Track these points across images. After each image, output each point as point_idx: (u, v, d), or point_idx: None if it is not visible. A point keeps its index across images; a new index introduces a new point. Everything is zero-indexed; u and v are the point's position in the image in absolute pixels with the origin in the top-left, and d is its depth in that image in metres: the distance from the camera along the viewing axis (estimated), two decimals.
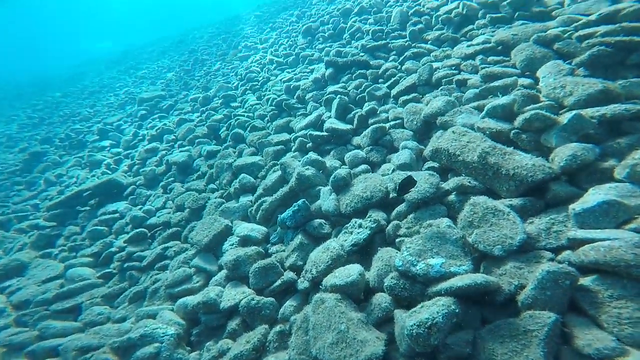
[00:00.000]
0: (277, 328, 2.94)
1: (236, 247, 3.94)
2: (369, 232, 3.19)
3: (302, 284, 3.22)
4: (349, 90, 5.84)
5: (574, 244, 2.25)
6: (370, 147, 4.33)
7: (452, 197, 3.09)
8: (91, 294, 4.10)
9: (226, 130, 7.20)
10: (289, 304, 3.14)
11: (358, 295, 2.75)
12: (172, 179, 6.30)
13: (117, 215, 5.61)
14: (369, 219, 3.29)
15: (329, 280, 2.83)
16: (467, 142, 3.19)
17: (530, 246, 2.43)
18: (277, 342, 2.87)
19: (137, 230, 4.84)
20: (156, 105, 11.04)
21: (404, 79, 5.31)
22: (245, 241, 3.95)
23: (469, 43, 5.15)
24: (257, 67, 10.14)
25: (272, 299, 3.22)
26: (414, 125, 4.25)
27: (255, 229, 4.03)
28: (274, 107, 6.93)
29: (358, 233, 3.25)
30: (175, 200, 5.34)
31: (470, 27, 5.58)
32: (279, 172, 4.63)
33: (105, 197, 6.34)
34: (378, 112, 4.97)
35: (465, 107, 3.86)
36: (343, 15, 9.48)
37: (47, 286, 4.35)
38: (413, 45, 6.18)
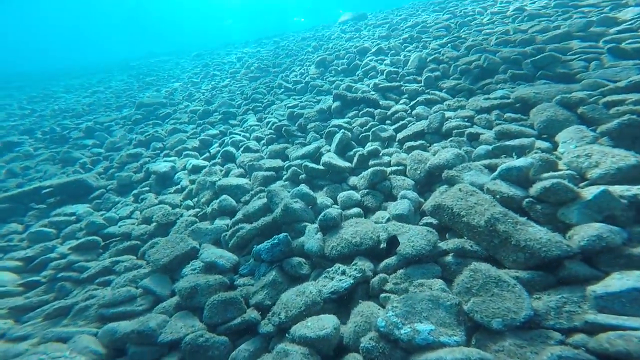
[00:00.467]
0: None
1: (198, 273, 3.61)
2: (352, 281, 2.95)
3: (266, 326, 2.91)
4: (354, 127, 5.88)
5: (593, 328, 2.10)
6: (367, 190, 4.22)
7: (449, 258, 2.95)
8: None
9: (218, 147, 7.15)
10: (245, 347, 2.82)
11: (328, 352, 2.52)
12: (147, 188, 6.07)
13: (73, 218, 5.29)
14: (354, 266, 3.06)
15: (299, 329, 2.56)
16: (475, 203, 3.07)
17: (535, 324, 2.28)
18: None
19: (89, 237, 4.51)
20: (153, 112, 11.16)
21: (413, 124, 5.37)
22: (210, 268, 3.64)
23: (486, 96, 5.28)
24: (264, 89, 10.43)
25: (225, 338, 2.88)
26: (417, 175, 4.17)
27: (225, 257, 3.74)
28: (272, 131, 6.95)
29: (340, 280, 2.99)
30: (144, 211, 5.07)
31: (489, 80, 5.78)
32: (264, 200, 4.45)
33: (68, 197, 6.06)
34: (381, 154, 4.92)
35: (475, 163, 3.80)
36: (359, 53, 9.98)
37: None
38: (427, 91, 6.38)
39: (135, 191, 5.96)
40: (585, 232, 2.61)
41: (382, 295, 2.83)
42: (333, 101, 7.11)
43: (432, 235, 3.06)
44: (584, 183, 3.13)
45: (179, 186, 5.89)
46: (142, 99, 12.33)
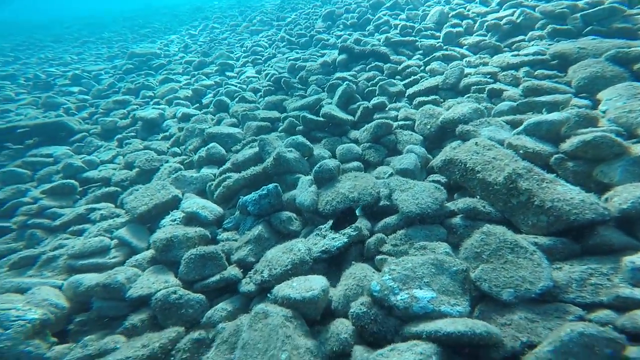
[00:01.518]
0: (196, 334, 2.25)
1: (177, 224, 3.16)
2: (346, 240, 2.51)
3: (247, 285, 2.52)
4: (359, 81, 5.24)
5: (625, 304, 1.76)
6: (369, 144, 3.70)
7: (457, 220, 2.51)
8: None
9: (212, 97, 6.49)
10: (222, 306, 2.44)
11: (315, 316, 2.12)
12: (133, 134, 5.50)
13: (50, 160, 4.76)
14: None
15: (282, 289, 2.17)
16: (493, 158, 2.57)
17: (552, 297, 1.92)
18: (189, 352, 2.20)
19: (64, 181, 4.01)
20: (146, 63, 10.26)
21: (426, 79, 4.77)
22: (191, 219, 3.19)
23: (516, 53, 4.63)
24: (266, 42, 9.52)
25: (201, 296, 2.49)
26: (427, 130, 3.64)
27: (209, 208, 3.27)
28: (271, 83, 6.27)
29: (333, 239, 2.56)
30: (127, 156, 4.55)
31: (521, 37, 5.09)
32: (256, 149, 3.92)
33: (47, 139, 5.49)
34: (387, 108, 4.35)
35: (496, 119, 3.26)
36: (372, 7, 8.99)
37: None
38: (445, 47, 5.70)
39: (119, 136, 5.39)
40: (630, 194, 2.15)
41: (379, 257, 2.40)
42: (339, 54, 6.36)
43: (439, 193, 2.58)
44: (633, 140, 2.62)
45: (166, 133, 5.32)
46: (134, 49, 11.35)
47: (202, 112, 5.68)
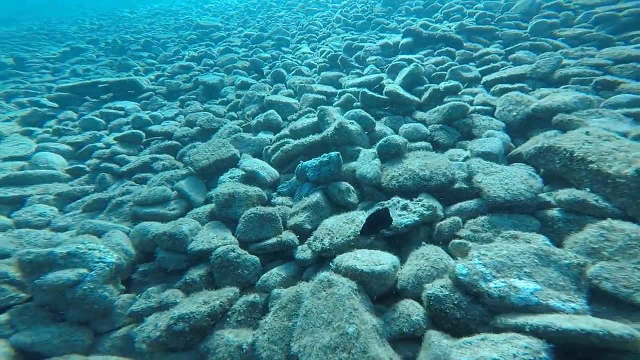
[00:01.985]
0: (251, 297, 2.03)
1: (236, 182, 2.95)
2: (417, 218, 2.14)
3: (303, 252, 2.24)
4: (426, 64, 4.66)
5: None
6: (440, 125, 3.21)
7: (554, 212, 2.03)
8: (47, 187, 3.23)
9: (269, 69, 6.20)
10: (277, 272, 2.19)
11: (380, 292, 1.83)
12: (194, 96, 5.37)
13: (121, 112, 4.74)
14: (419, 202, 2.22)
15: (347, 260, 1.87)
16: (614, 149, 2.04)
17: None
18: (244, 315, 1.99)
19: (134, 130, 3.94)
20: (208, 34, 10.17)
21: (508, 67, 4.13)
22: (250, 179, 2.96)
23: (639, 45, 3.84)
24: (321, 22, 8.99)
25: (256, 257, 2.25)
26: (511, 117, 3.10)
27: (267, 169, 3.03)
28: (326, 60, 5.85)
29: (400, 216, 2.19)
30: (188, 115, 4.41)
31: None
32: (314, 119, 3.58)
33: (120, 95, 5.51)
34: (460, 92, 3.80)
35: (610, 111, 2.65)
36: None
37: (5, 164, 3.51)
38: (532, 38, 4.95)
39: (181, 97, 5.28)
40: None
41: (456, 241, 2.01)
42: (403, 37, 5.75)
43: (534, 181, 2.12)
44: None
45: (224, 98, 5.12)
46: (198, 20, 11.26)
47: (260, 81, 5.41)
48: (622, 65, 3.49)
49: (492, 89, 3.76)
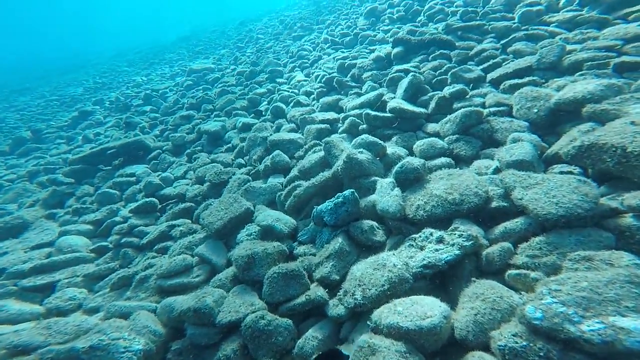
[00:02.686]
0: None
1: (254, 239, 2.93)
2: (458, 251, 2.02)
3: (336, 308, 2.16)
4: (424, 71, 4.61)
5: None
6: (456, 136, 3.11)
7: (628, 220, 1.81)
8: (74, 270, 3.33)
9: (267, 104, 6.31)
10: (312, 334, 2.11)
11: (435, 348, 1.68)
12: (199, 148, 5.51)
13: (133, 179, 4.90)
14: (457, 232, 2.10)
15: (386, 316, 1.78)
16: None
17: None
18: None
19: (147, 199, 4.05)
20: (203, 77, 10.55)
21: (512, 61, 4.02)
22: (267, 233, 2.94)
23: None
24: (310, 46, 9.17)
25: (288, 320, 2.19)
26: (533, 114, 2.96)
27: (282, 220, 3.00)
28: (322, 84, 5.89)
29: (437, 251, 2.08)
30: (197, 170, 4.50)
31: (637, 7, 4.09)
32: (321, 153, 3.56)
33: (129, 158, 5.73)
34: (468, 95, 3.71)
35: None
36: None
37: (32, 254, 3.67)
38: (524, 27, 4.85)
39: (188, 151, 5.43)
40: None
41: (513, 272, 1.85)
42: (393, 47, 5.74)
43: (588, 188, 1.94)
44: None
45: (229, 145, 5.22)
46: (191, 65, 11.75)
47: (260, 120, 5.50)
48: (636, 44, 3.32)
49: (501, 87, 3.63)
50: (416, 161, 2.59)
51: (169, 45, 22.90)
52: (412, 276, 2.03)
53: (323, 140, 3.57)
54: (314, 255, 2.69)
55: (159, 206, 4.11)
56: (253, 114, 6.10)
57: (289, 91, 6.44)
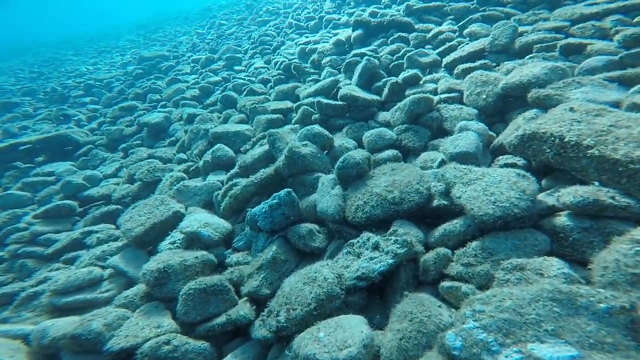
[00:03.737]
0: None
1: (177, 248, 2.57)
2: (391, 260, 1.78)
3: (261, 330, 1.86)
4: (381, 55, 4.41)
5: None
6: (406, 126, 2.89)
7: (563, 220, 1.67)
8: None
9: (220, 93, 5.88)
10: (232, 358, 1.79)
11: None
12: (139, 142, 5.01)
13: (51, 178, 4.34)
14: (393, 236, 1.86)
15: (305, 344, 1.56)
16: (611, 126, 1.71)
17: None
18: None
19: (58, 202, 3.54)
20: (156, 66, 9.84)
21: (467, 44, 3.87)
22: (192, 241, 2.58)
23: (591, 2, 3.63)
24: (274, 31, 8.77)
25: (204, 343, 1.88)
26: (482, 101, 2.80)
27: (212, 224, 2.65)
28: (281, 72, 5.56)
29: (372, 259, 1.83)
30: (130, 167, 4.03)
31: None
32: (266, 147, 3.24)
33: (55, 155, 5.12)
34: (422, 81, 3.52)
35: (589, 78, 2.36)
36: None
37: None
38: (482, 8, 4.74)
39: (123, 145, 4.91)
40: None
41: (446, 285, 1.66)
42: (353, 29, 5.51)
43: (527, 182, 1.77)
44: None
45: (173, 138, 4.77)
46: (142, 52, 10.98)
47: (208, 110, 5.08)
48: (580, 26, 3.29)
49: (454, 72, 3.48)
50: (358, 154, 2.34)
51: (124, 33, 21.54)
52: (343, 290, 1.77)
53: (267, 132, 3.25)
54: (248, 264, 2.38)
55: (79, 210, 3.61)
56: (202, 105, 5.66)
57: (245, 79, 6.04)
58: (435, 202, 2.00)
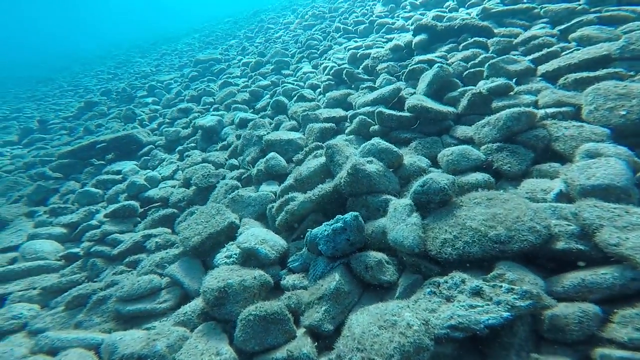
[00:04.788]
0: None
1: (234, 263, 2.41)
2: (506, 314, 1.43)
3: None
4: (452, 63, 3.93)
5: None
6: (498, 144, 2.42)
7: None
8: (33, 281, 2.91)
9: (269, 98, 5.75)
10: None
11: None
12: (193, 144, 5.02)
13: (119, 177, 4.46)
14: (504, 284, 1.51)
15: None
16: None
17: None
18: None
19: (124, 203, 3.58)
20: (209, 68, 10.07)
21: (575, 50, 3.25)
22: (249, 257, 2.41)
23: None
24: (320, 35, 8.51)
25: None
26: (616, 118, 2.23)
27: (269, 241, 2.46)
28: (330, 77, 5.29)
29: (472, 307, 1.50)
30: (186, 171, 4.01)
31: None
32: (322, 159, 2.99)
33: (122, 153, 5.31)
34: (514, 92, 3.01)
35: None
36: None
37: None
38: (595, 9, 3.93)
39: (180, 147, 4.95)
40: None
41: (609, 353, 1.26)
42: (414, 34, 5.05)
43: None
44: None
45: (225, 142, 4.71)
46: (198, 55, 11.28)
47: (259, 115, 4.95)
48: None
49: (560, 82, 2.89)
50: (443, 179, 1.98)
51: (182, 36, 22.55)
52: (432, 341, 1.46)
53: (325, 144, 2.99)
54: (306, 289, 2.15)
55: (140, 210, 3.64)
56: (254, 109, 5.57)
57: (293, 84, 5.86)
58: (561, 245, 1.60)
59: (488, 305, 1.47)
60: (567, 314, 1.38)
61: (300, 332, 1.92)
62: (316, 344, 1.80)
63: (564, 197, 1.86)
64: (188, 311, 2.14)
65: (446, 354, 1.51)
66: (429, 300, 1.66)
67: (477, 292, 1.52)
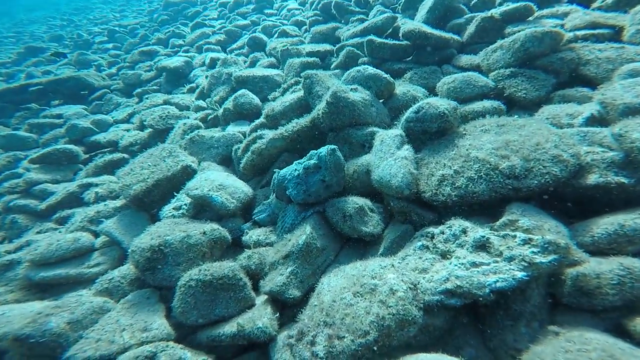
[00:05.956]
0: None
1: (182, 215, 1.89)
2: (521, 275, 0.99)
3: (284, 352, 1.16)
4: None
5: None
6: (512, 69, 1.90)
7: None
8: None
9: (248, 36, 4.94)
10: None
11: None
12: (156, 87, 4.28)
13: (60, 121, 3.75)
14: (518, 233, 1.04)
15: None
16: None
17: None
18: None
19: (60, 146, 2.93)
20: (182, 12, 8.87)
21: None
22: (202, 208, 1.89)
23: None
24: None
25: (205, 358, 1.22)
26: None
27: (229, 188, 1.93)
28: (318, 12, 4.49)
29: (475, 265, 1.06)
30: (142, 113, 3.35)
31: None
32: (300, 93, 2.39)
33: (70, 98, 4.53)
34: (534, 16, 2.41)
35: None
36: None
37: None
38: None
39: (138, 90, 4.21)
40: None
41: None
42: None
43: None
44: None
45: (193, 84, 4.00)
46: None
47: (233, 54, 4.20)
48: None
49: (595, 4, 2.32)
50: (443, 103, 1.46)
51: None
52: (421, 312, 1.02)
53: (303, 74, 2.36)
54: (272, 244, 1.67)
55: (83, 157, 3.01)
56: (226, 52, 4.77)
57: (276, 22, 5.03)
58: (594, 179, 1.13)
59: (496, 262, 1.02)
60: (600, 272, 0.95)
61: (260, 300, 1.46)
62: (278, 315, 1.35)
63: (595, 121, 1.39)
64: (116, 276, 1.65)
65: (435, 326, 1.08)
66: (420, 257, 1.21)
67: (482, 245, 1.07)
